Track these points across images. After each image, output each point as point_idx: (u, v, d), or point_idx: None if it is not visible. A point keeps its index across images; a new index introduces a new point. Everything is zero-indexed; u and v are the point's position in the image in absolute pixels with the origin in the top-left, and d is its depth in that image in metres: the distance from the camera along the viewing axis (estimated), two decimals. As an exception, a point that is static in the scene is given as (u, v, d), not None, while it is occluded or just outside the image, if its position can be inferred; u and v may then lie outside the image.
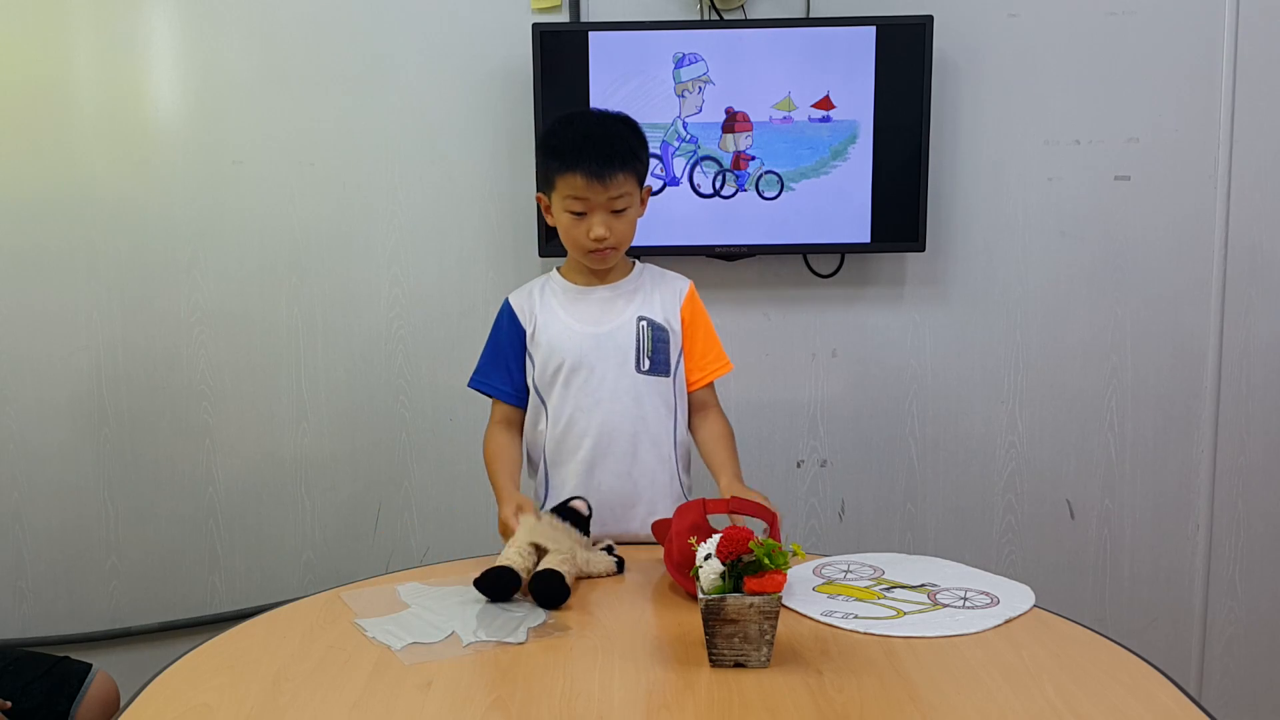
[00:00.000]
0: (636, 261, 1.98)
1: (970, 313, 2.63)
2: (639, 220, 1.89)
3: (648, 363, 1.89)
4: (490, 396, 1.97)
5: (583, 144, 1.80)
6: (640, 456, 1.90)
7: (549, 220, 1.90)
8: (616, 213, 1.82)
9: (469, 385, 1.98)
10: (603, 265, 1.89)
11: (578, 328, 1.89)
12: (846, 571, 1.72)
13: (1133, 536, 2.68)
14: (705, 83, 2.44)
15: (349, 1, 2.53)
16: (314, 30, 2.54)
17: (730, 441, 1.94)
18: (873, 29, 2.43)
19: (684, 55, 2.42)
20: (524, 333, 1.92)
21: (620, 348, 1.88)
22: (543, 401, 1.92)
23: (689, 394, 1.95)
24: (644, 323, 1.90)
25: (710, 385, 1.97)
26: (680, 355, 1.92)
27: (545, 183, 1.87)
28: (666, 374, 1.91)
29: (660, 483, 1.92)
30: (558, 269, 1.97)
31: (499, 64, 2.54)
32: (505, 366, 1.93)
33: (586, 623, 1.53)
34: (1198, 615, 2.70)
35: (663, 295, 1.93)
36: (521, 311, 1.93)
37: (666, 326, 1.91)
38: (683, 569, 1.54)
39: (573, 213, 1.82)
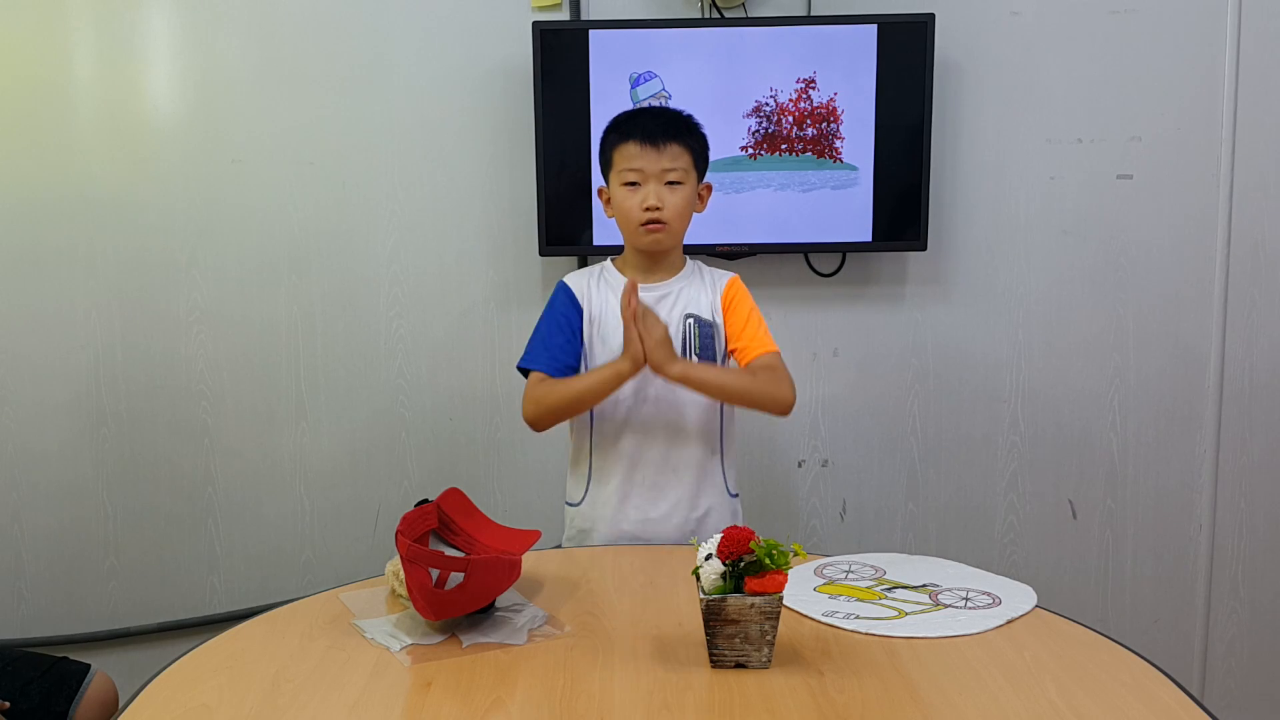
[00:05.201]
0: (688, 259, 1.98)
1: (972, 312, 2.62)
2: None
3: (695, 360, 1.90)
4: (536, 371, 1.89)
5: (639, 115, 1.91)
6: (684, 453, 1.90)
7: (608, 213, 1.92)
8: (670, 185, 1.85)
9: (519, 366, 1.92)
10: (656, 246, 1.89)
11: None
12: (848, 572, 1.72)
13: (1135, 537, 2.68)
14: (664, 99, 2.44)
15: (349, 0, 2.53)
16: (313, 29, 2.53)
17: (740, 373, 1.86)
18: (874, 27, 2.43)
19: (639, 75, 2.42)
20: (581, 313, 1.92)
21: None
22: None
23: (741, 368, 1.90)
24: (690, 320, 1.91)
25: (765, 359, 1.88)
26: (725, 346, 1.93)
27: (605, 164, 1.91)
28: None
29: (704, 478, 1.93)
30: (611, 259, 1.98)
31: (499, 63, 2.53)
32: (560, 346, 1.89)
33: (586, 623, 1.52)
34: (1200, 616, 2.69)
35: (708, 289, 1.94)
36: (580, 294, 1.94)
37: (712, 321, 1.92)
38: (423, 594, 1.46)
39: (628, 184, 1.85)
